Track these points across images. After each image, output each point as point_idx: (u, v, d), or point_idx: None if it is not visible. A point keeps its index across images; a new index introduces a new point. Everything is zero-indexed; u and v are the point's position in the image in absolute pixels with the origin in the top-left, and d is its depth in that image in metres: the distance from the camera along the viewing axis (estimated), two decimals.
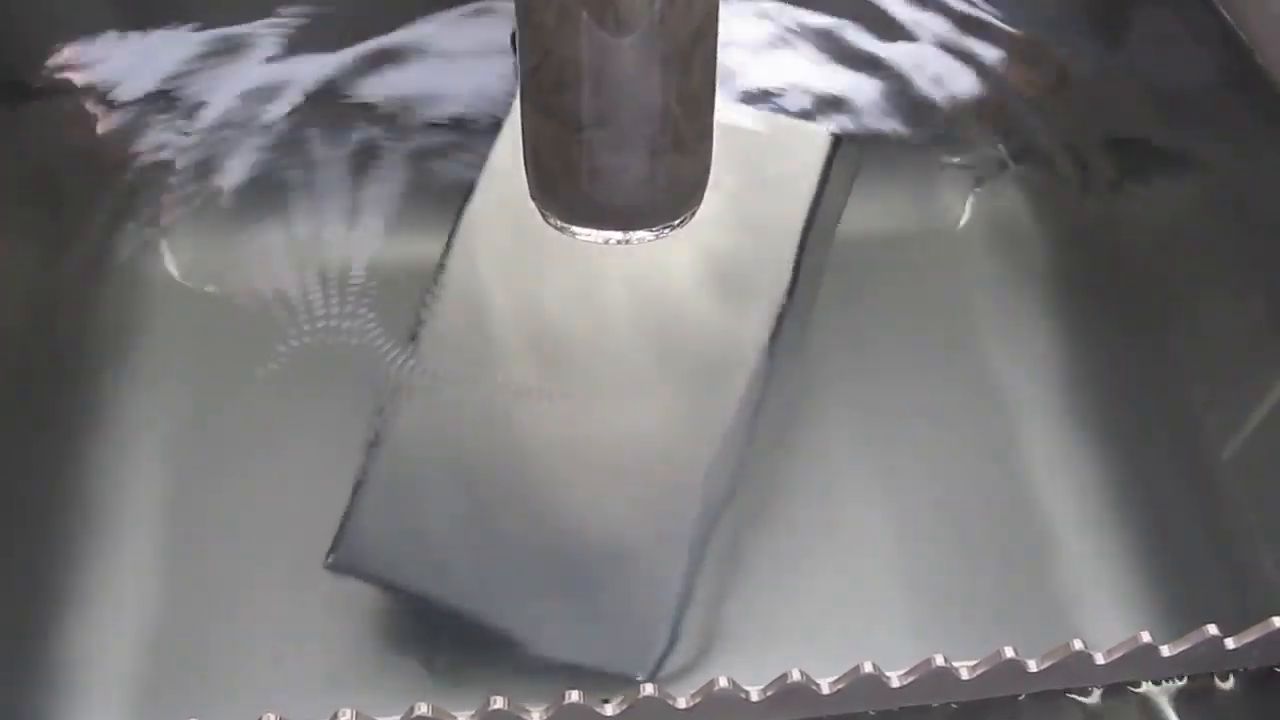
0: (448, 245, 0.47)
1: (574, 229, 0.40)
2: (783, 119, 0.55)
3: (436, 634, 0.42)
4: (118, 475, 0.47)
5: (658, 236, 0.40)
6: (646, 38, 0.35)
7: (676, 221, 0.40)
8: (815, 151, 0.49)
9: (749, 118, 0.50)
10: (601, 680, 0.40)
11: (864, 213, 0.53)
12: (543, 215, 0.40)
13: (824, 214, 0.49)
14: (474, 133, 0.55)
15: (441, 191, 0.52)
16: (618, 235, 0.40)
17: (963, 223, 0.56)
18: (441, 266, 0.47)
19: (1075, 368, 0.51)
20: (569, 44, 0.35)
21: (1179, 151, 0.56)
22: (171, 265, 0.54)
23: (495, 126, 0.48)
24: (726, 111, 0.42)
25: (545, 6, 0.35)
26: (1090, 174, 0.58)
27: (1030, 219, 0.56)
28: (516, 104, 0.39)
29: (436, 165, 0.55)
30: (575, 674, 0.40)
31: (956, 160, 0.58)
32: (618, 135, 0.37)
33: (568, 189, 0.39)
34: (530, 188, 0.40)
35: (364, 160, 0.56)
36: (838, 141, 0.49)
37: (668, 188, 0.39)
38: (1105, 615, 0.44)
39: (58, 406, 0.49)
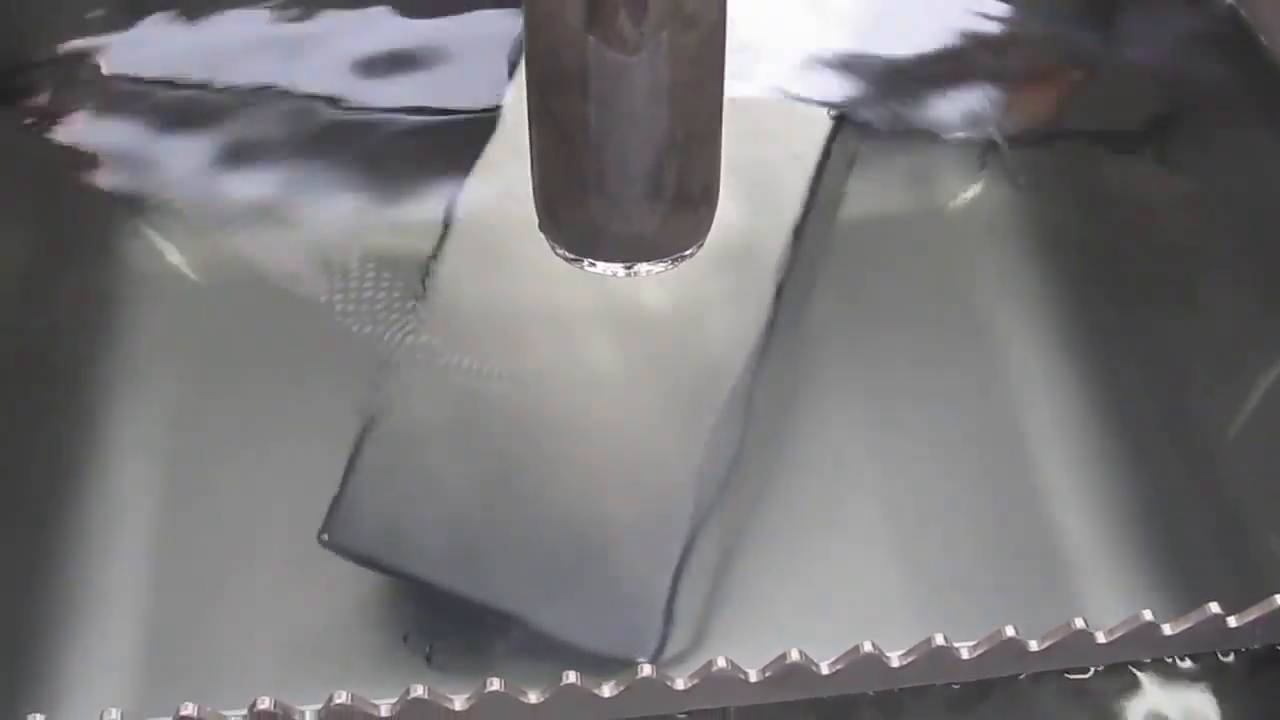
0: (443, 233, 0.47)
1: (583, 261, 0.40)
2: (783, 100, 0.55)
3: (433, 616, 0.42)
4: (114, 461, 0.47)
5: (667, 268, 0.40)
6: (654, 59, 0.35)
7: (687, 252, 0.40)
8: (815, 132, 0.49)
9: (749, 98, 0.50)
10: (599, 662, 0.40)
11: (864, 194, 0.53)
12: (551, 247, 0.40)
13: (824, 195, 0.49)
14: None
15: (437, 182, 0.52)
16: (623, 268, 0.40)
17: (963, 205, 0.56)
18: (437, 253, 0.47)
19: (1076, 349, 0.51)
20: (576, 69, 0.35)
21: (1180, 138, 0.56)
22: (167, 256, 0.54)
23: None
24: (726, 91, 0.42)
25: (553, 29, 0.35)
26: (1092, 160, 0.58)
27: (1030, 203, 0.56)
28: (510, 99, 0.39)
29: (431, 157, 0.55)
30: (572, 656, 0.40)
31: (957, 142, 0.58)
32: (626, 167, 0.37)
33: (576, 221, 0.39)
34: (539, 219, 0.40)
35: (359, 150, 0.56)
36: (838, 122, 0.49)
37: (676, 219, 0.39)
38: (1107, 594, 0.43)
39: (52, 396, 0.49)
